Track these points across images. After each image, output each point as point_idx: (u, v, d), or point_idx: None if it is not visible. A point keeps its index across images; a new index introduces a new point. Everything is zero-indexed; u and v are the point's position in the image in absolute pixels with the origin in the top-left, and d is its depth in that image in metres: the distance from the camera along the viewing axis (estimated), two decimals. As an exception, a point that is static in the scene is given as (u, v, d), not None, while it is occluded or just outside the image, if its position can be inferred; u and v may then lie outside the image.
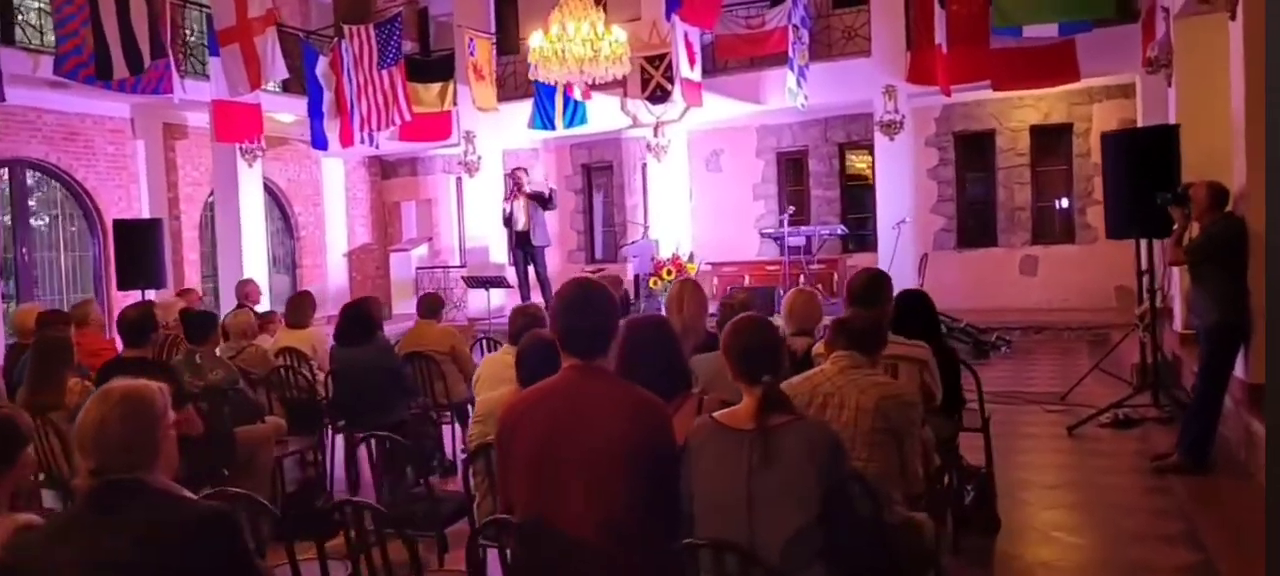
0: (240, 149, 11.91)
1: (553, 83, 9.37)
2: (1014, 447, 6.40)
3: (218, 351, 6.25)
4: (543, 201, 10.22)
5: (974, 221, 13.57)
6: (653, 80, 12.97)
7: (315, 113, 12.67)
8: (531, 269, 10.69)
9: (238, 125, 11.33)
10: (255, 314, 7.66)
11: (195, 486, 4.87)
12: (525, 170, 11.68)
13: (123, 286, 9.39)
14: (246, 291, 8.22)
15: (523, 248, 10.54)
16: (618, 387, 2.60)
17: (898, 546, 2.98)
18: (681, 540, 2.41)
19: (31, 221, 10.97)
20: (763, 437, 2.41)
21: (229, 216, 12.07)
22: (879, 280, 3.98)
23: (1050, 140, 13.07)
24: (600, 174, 15.54)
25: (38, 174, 11.10)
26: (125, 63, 9.09)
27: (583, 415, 2.54)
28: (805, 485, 2.35)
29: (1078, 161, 12.71)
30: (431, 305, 6.67)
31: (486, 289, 10.93)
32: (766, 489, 2.38)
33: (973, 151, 13.49)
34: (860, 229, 13.70)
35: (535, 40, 8.79)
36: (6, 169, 10.67)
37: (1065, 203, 13.11)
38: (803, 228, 11.93)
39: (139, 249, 9.29)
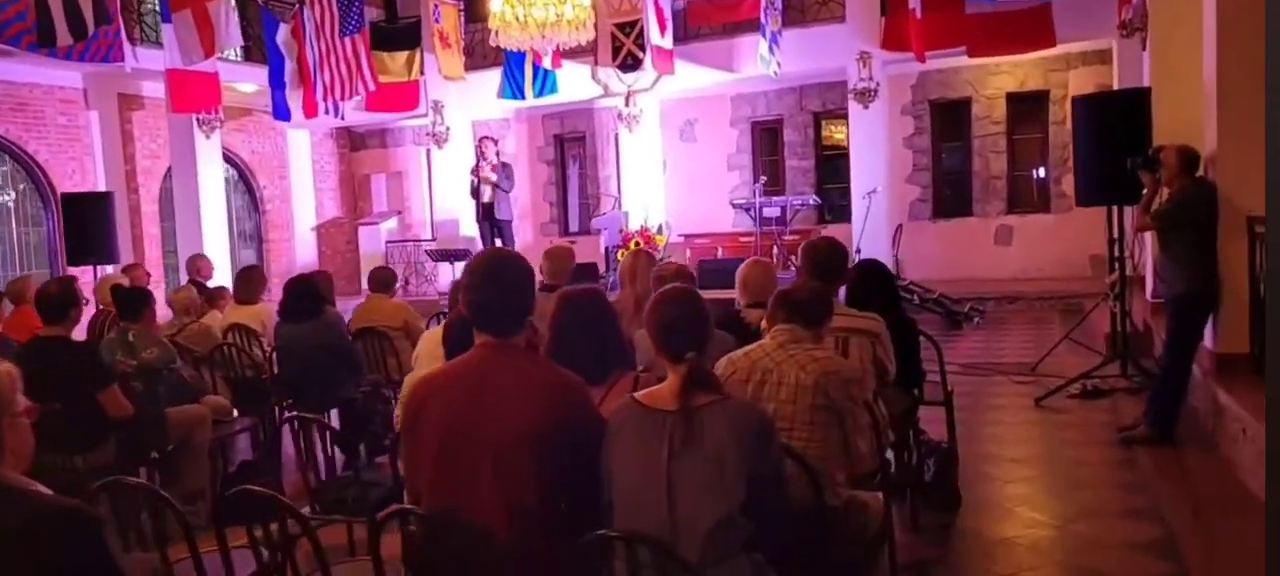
0: (197, 120, 11.58)
1: (517, 49, 9.10)
2: (981, 420, 6.28)
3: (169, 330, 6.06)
4: (500, 188, 10.00)
5: (949, 191, 13.42)
6: (624, 48, 12.68)
7: (277, 83, 12.30)
8: (499, 242, 10.47)
9: (193, 95, 10.97)
10: (205, 289, 7.44)
11: (128, 470, 4.68)
12: (494, 140, 11.41)
13: (72, 262, 9.11)
14: (197, 266, 7.97)
15: (489, 220, 10.31)
16: (530, 367, 2.42)
17: (841, 529, 2.82)
18: (599, 529, 2.24)
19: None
20: (685, 418, 2.23)
21: (187, 190, 11.76)
22: (841, 252, 3.78)
23: (1026, 108, 12.91)
24: (573, 144, 15.29)
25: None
26: (68, 29, 8.75)
27: (492, 396, 2.36)
28: (729, 470, 2.18)
29: (1053, 129, 12.56)
30: (383, 279, 6.46)
31: (453, 263, 10.69)
32: (687, 474, 2.20)
33: (949, 120, 13.32)
34: (840, 200, 13.53)
35: (495, 4, 8.52)
36: (-48, 141, 10.34)
37: (1042, 171, 12.98)
38: (774, 198, 11.74)
39: (90, 223, 9.00)
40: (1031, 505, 4.59)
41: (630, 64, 12.60)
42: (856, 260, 4.52)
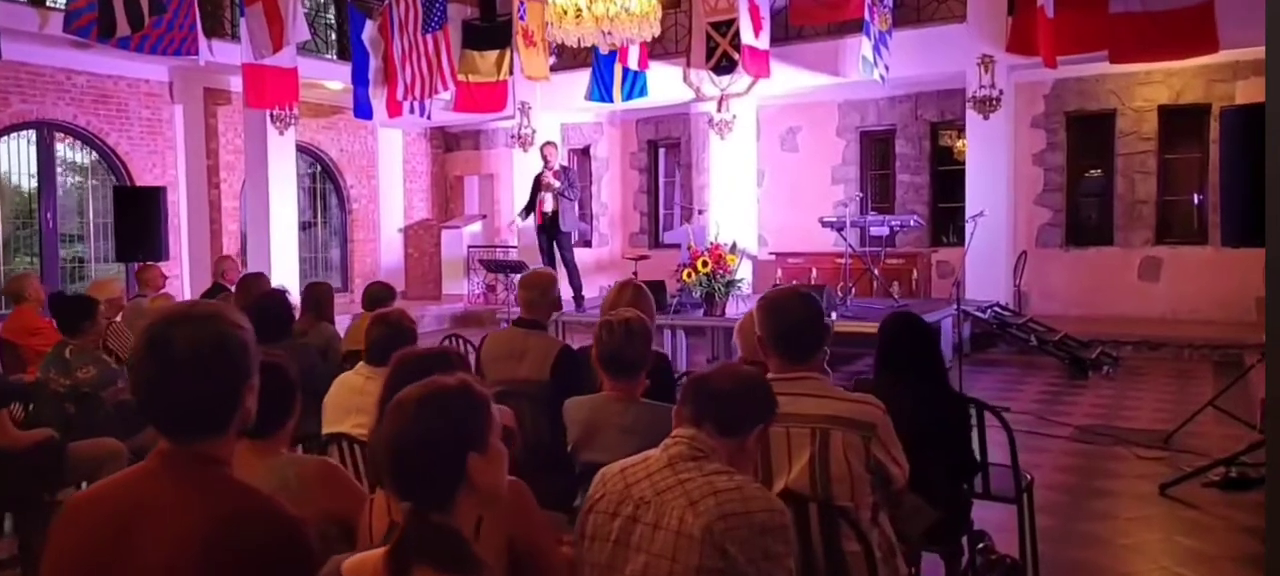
0: (270, 116, 11.31)
1: (579, 44, 8.26)
2: (1084, 511, 5.02)
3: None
4: (565, 198, 9.17)
5: (1087, 216, 11.77)
6: (718, 48, 11.69)
7: (360, 80, 11.97)
8: (558, 253, 9.69)
9: (271, 90, 10.70)
10: (226, 295, 6.93)
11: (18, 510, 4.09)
12: (554, 145, 10.62)
13: (121, 258, 8.88)
14: (222, 268, 7.50)
15: (548, 231, 9.52)
16: (208, 496, 1.53)
17: None
18: None
19: (59, 185, 10.64)
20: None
21: (258, 186, 11.50)
22: (815, 316, 2.68)
23: (1183, 123, 11.14)
24: (668, 151, 14.39)
25: (69, 137, 10.75)
26: (127, 19, 8.52)
27: (134, 535, 1.50)
28: None
29: (1215, 148, 10.74)
30: (376, 295, 5.71)
31: (506, 275, 9.97)
32: None
33: (1088, 135, 11.68)
34: (957, 219, 12.07)
35: (554, -5, 7.72)
36: (33, 131, 10.35)
37: (1199, 197, 11.16)
38: (868, 217, 10.50)
39: (139, 218, 8.73)
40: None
41: (725, 66, 11.62)
42: (892, 311, 3.41)
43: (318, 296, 6.05)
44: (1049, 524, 4.76)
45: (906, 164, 12.50)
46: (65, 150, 10.89)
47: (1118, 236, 11.37)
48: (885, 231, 10.44)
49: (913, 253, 11.44)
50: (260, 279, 5.87)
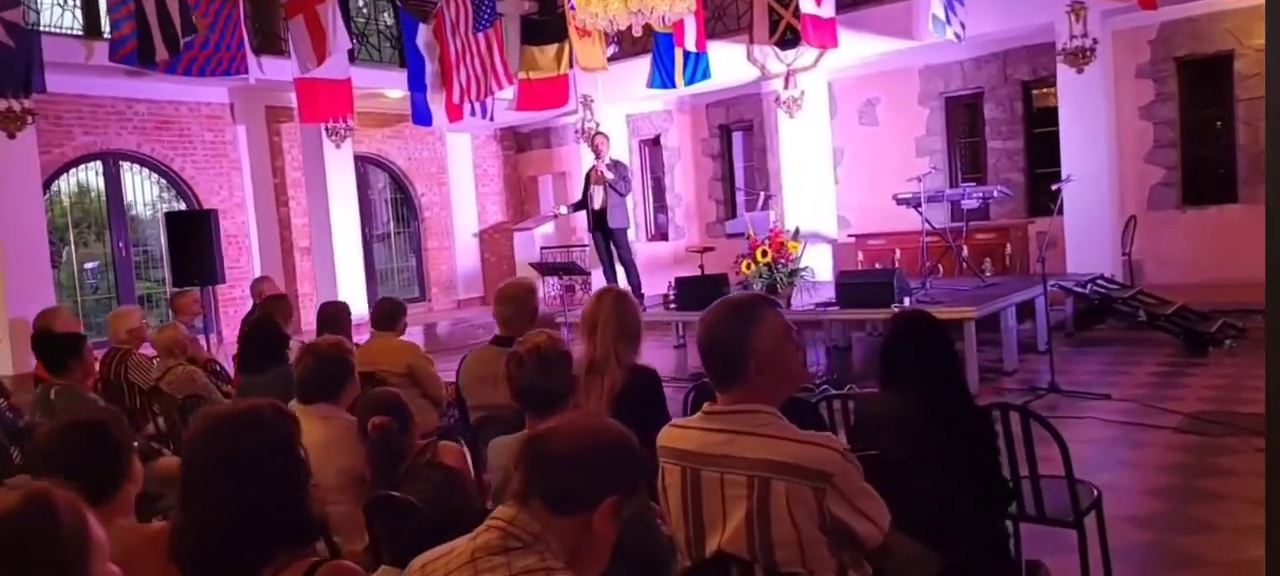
0: (325, 129, 11.24)
1: (607, 27, 7.76)
2: (1180, 520, 4.25)
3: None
4: (615, 189, 8.66)
5: (1204, 172, 10.55)
6: (782, 21, 11.02)
7: (417, 85, 11.77)
8: (614, 251, 9.19)
9: (324, 103, 10.59)
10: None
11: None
12: (605, 136, 10.15)
13: (176, 282, 8.88)
14: (261, 289, 7.33)
15: (600, 228, 9.04)
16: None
17: None
18: None
19: (128, 214, 10.81)
20: None
21: (318, 201, 11.45)
22: (727, 321, 2.10)
23: (1314, 59, 9.81)
24: (744, 134, 13.74)
25: (136, 166, 10.92)
26: (164, 43, 8.49)
27: None
28: None
29: (1354, 84, 9.42)
30: (387, 312, 5.37)
31: (559, 277, 9.57)
32: None
33: (1203, 82, 10.46)
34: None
35: (579, -24, 7.26)
36: (99, 161, 10.54)
37: (1337, 141, 9.82)
38: (947, 190, 9.63)
39: (191, 242, 8.71)
40: None
41: (790, 40, 10.95)
42: (900, 309, 2.81)
43: (331, 317, 5.76)
44: (1138, 539, 4.05)
45: (997, 129, 11.51)
46: (135, 178, 11.05)
47: (1242, 192, 10.13)
48: (973, 204, 9.55)
49: (1006, 225, 10.50)
50: (268, 301, 5.58)
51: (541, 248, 13.70)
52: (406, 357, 5.27)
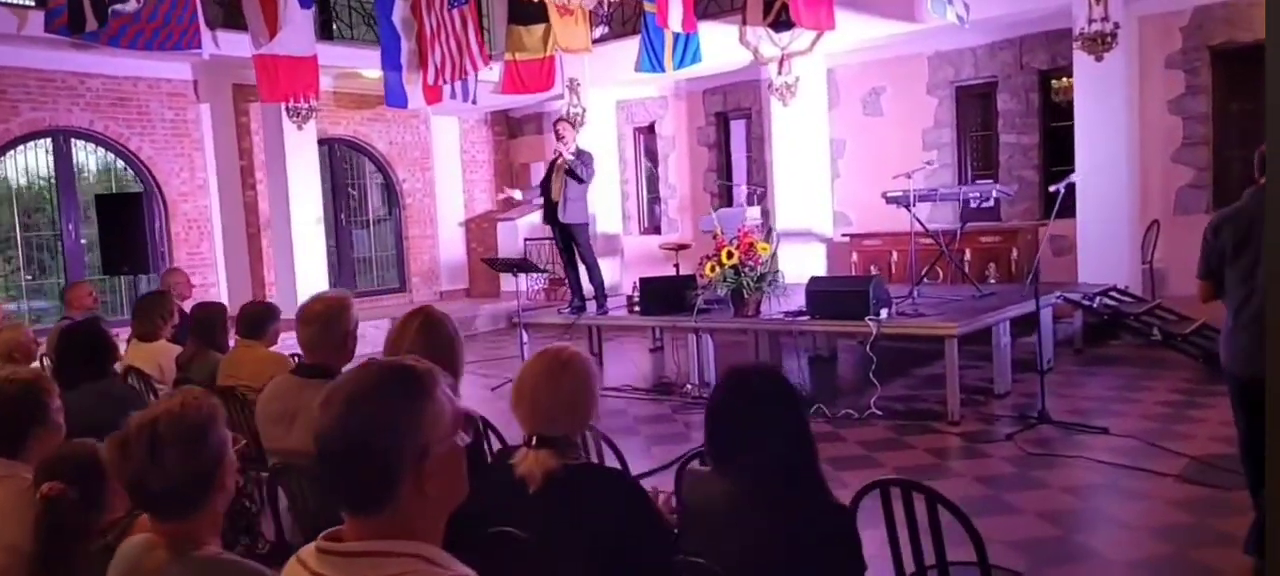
0: (286, 109, 10.61)
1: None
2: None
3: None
4: (573, 175, 7.88)
5: (1239, 173, 9.54)
6: (777, 3, 10.22)
7: (391, 64, 11.12)
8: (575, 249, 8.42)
9: (283, 82, 9.99)
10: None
11: None
12: (570, 122, 9.37)
13: (107, 271, 8.30)
14: (172, 282, 6.68)
15: (554, 222, 8.27)
16: None
17: None
18: None
19: (80, 195, 10.24)
20: None
21: (277, 186, 10.84)
22: (366, 410, 1.36)
23: (1366, 49, 8.78)
24: (741, 123, 12.91)
25: (89, 144, 10.36)
26: (93, 12, 7.90)
27: None
28: None
29: None
30: (253, 321, 4.67)
31: (514, 273, 8.84)
32: None
33: (1239, 73, 9.45)
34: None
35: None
36: (49, 139, 9.99)
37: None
38: (940, 189, 8.77)
39: (121, 228, 8.11)
40: None
41: (785, 21, 10.14)
42: (731, 367, 2.05)
43: (206, 320, 5.10)
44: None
45: (1011, 122, 10.58)
46: (86, 157, 10.48)
47: (1281, 196, 9.13)
48: (976, 203, 8.66)
49: (1015, 227, 9.61)
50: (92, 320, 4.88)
51: (525, 238, 13.01)
52: (271, 370, 4.57)
